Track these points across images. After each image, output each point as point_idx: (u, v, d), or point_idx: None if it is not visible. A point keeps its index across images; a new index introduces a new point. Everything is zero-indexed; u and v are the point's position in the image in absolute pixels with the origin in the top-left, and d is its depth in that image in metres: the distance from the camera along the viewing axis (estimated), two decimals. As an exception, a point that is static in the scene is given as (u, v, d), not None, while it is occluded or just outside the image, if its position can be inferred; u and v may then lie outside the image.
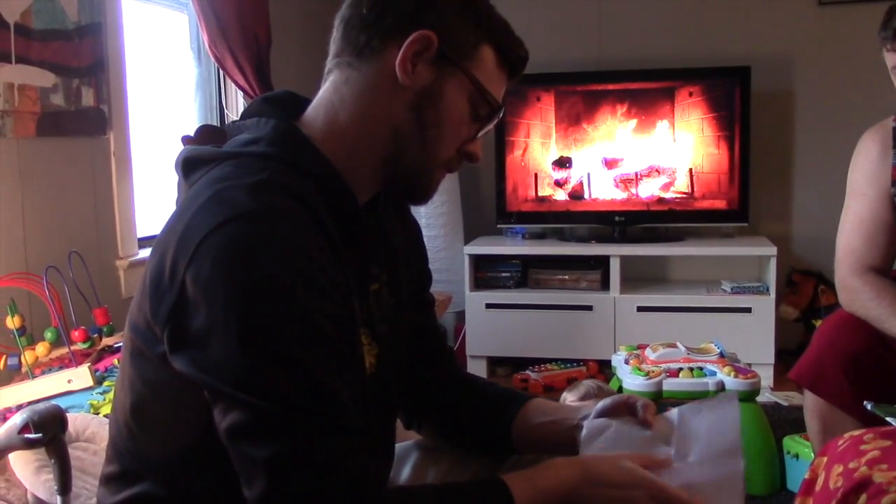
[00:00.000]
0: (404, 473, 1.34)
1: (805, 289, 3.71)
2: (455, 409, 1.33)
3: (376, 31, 1.06)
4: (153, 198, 3.07)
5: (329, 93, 1.10)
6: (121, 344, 2.16)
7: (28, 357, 2.01)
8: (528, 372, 3.57)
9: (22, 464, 1.58)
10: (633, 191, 3.89)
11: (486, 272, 3.85)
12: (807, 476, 1.32)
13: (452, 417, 1.33)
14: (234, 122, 1.15)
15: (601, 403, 1.23)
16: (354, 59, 1.08)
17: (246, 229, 0.94)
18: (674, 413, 1.21)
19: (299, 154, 1.05)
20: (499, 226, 4.02)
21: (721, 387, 2.50)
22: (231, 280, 0.92)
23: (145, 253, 2.83)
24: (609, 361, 2.90)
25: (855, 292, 1.90)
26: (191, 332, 0.93)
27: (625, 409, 1.22)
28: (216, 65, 3.21)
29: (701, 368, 2.57)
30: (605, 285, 3.73)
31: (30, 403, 1.87)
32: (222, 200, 0.96)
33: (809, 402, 1.93)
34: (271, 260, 0.93)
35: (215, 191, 0.98)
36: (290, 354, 0.92)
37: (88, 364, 1.99)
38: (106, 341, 2.19)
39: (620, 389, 2.62)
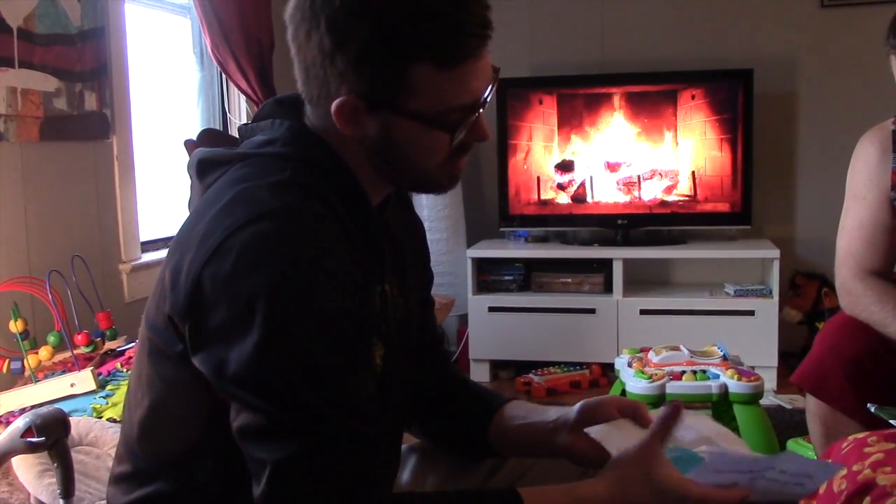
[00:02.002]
0: (403, 477, 1.34)
1: (808, 291, 3.71)
2: (438, 412, 1.32)
3: (310, 94, 1.05)
4: (156, 202, 3.07)
5: (312, 117, 1.09)
6: (124, 348, 2.17)
7: (31, 361, 2.01)
8: (530, 375, 3.56)
9: (25, 468, 1.58)
10: (636, 194, 3.89)
11: (488, 275, 3.85)
12: (810, 479, 1.32)
13: (436, 420, 1.33)
14: (246, 124, 1.15)
15: (582, 403, 1.21)
16: (312, 103, 1.07)
17: (270, 228, 0.94)
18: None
19: (315, 154, 1.06)
20: (501, 229, 4.02)
21: (724, 390, 2.50)
22: (254, 277, 0.92)
23: (148, 257, 2.84)
24: (612, 364, 2.89)
25: (857, 296, 1.90)
26: (210, 328, 0.94)
27: (614, 410, 1.19)
28: (219, 69, 3.22)
29: (704, 371, 2.57)
30: (607, 288, 3.73)
31: (33, 407, 1.87)
32: (245, 200, 0.97)
33: (812, 406, 1.92)
34: (295, 258, 0.93)
35: (237, 191, 0.99)
36: (310, 356, 0.92)
37: (91, 368, 1.99)
38: (109, 345, 2.19)
39: (623, 393, 2.61)
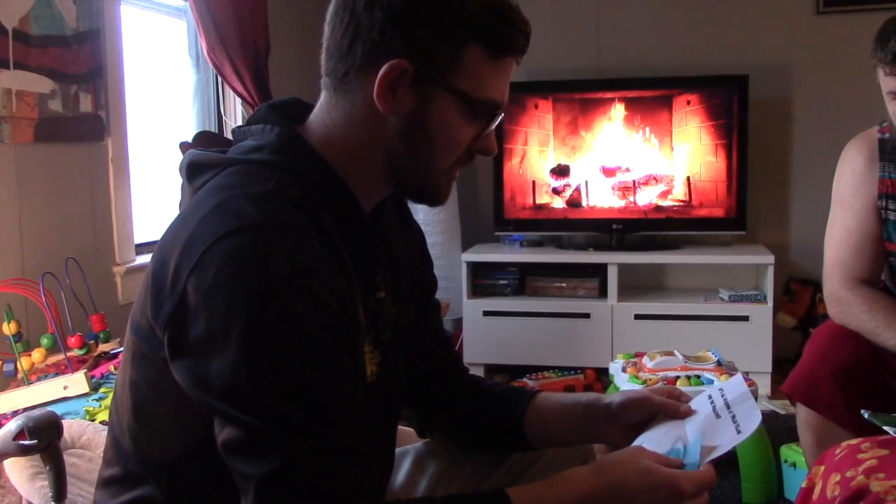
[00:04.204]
0: (399, 478, 1.34)
1: (803, 297, 3.72)
2: (465, 412, 1.32)
3: (351, 63, 1.04)
4: (151, 204, 3.07)
5: (323, 111, 1.10)
6: (117, 350, 2.17)
7: (24, 363, 2.00)
8: (525, 379, 3.56)
9: (17, 470, 1.58)
10: (631, 199, 3.89)
11: (483, 279, 3.85)
12: (804, 485, 1.32)
13: (463, 421, 1.33)
14: (239, 127, 1.15)
15: (624, 398, 1.22)
16: (339, 86, 1.07)
17: (250, 241, 0.93)
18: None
19: (304, 163, 1.05)
20: (496, 233, 4.02)
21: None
22: (233, 290, 0.91)
23: (143, 259, 2.83)
24: (606, 369, 2.89)
25: (847, 305, 1.90)
26: (190, 340, 0.93)
27: (655, 407, 1.21)
28: (214, 71, 3.22)
29: (698, 376, 2.57)
30: (602, 293, 3.73)
31: (25, 410, 1.87)
32: (228, 210, 0.96)
33: (803, 415, 1.92)
34: (274, 272, 0.92)
35: (221, 200, 0.98)
36: (289, 369, 0.91)
37: (84, 370, 1.98)
38: (102, 348, 2.18)
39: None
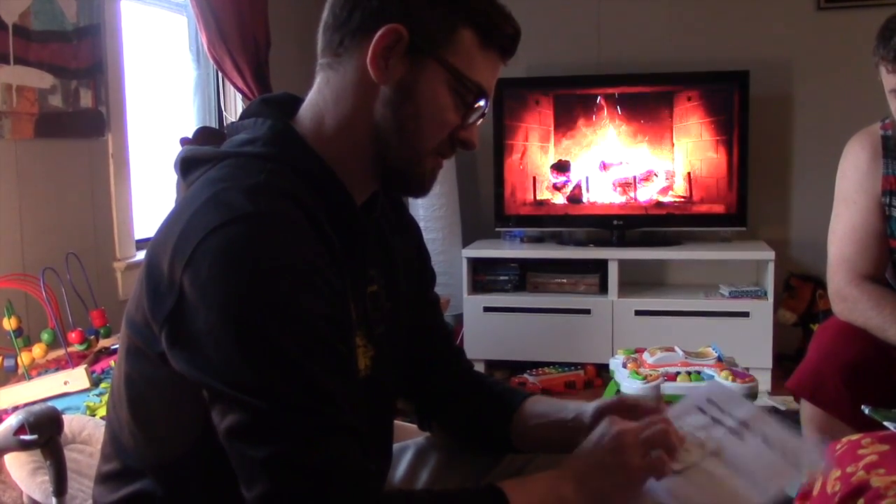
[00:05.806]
0: (398, 473, 1.35)
1: (803, 293, 3.72)
2: (460, 409, 1.32)
3: (348, 29, 1.06)
4: (151, 199, 3.07)
5: (315, 95, 1.11)
6: (118, 346, 2.17)
7: (24, 358, 2.00)
8: (525, 375, 3.56)
9: (17, 465, 1.58)
10: (632, 194, 3.89)
11: (484, 275, 3.85)
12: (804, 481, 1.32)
13: (457, 417, 1.33)
14: (232, 122, 1.15)
15: (597, 407, 1.22)
16: (333, 60, 1.08)
17: (242, 232, 0.94)
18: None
19: (295, 155, 1.06)
20: (497, 229, 4.02)
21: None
22: (227, 283, 0.92)
23: (143, 255, 2.83)
24: (607, 365, 2.90)
25: (853, 302, 1.89)
26: (189, 333, 0.93)
27: (626, 413, 1.18)
28: (215, 67, 3.21)
29: (699, 372, 2.57)
30: (603, 289, 3.73)
31: (26, 405, 1.87)
32: (220, 203, 0.97)
33: (807, 413, 1.92)
34: (267, 263, 0.93)
35: (213, 192, 0.99)
36: (287, 355, 0.91)
37: (85, 366, 1.99)
38: (103, 343, 2.18)
39: (618, 394, 2.62)
